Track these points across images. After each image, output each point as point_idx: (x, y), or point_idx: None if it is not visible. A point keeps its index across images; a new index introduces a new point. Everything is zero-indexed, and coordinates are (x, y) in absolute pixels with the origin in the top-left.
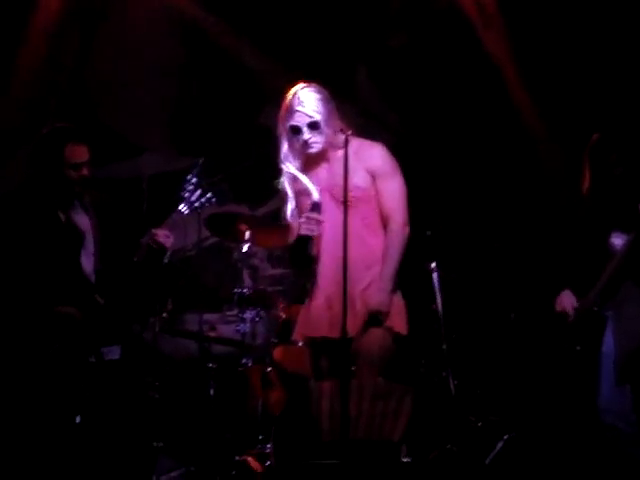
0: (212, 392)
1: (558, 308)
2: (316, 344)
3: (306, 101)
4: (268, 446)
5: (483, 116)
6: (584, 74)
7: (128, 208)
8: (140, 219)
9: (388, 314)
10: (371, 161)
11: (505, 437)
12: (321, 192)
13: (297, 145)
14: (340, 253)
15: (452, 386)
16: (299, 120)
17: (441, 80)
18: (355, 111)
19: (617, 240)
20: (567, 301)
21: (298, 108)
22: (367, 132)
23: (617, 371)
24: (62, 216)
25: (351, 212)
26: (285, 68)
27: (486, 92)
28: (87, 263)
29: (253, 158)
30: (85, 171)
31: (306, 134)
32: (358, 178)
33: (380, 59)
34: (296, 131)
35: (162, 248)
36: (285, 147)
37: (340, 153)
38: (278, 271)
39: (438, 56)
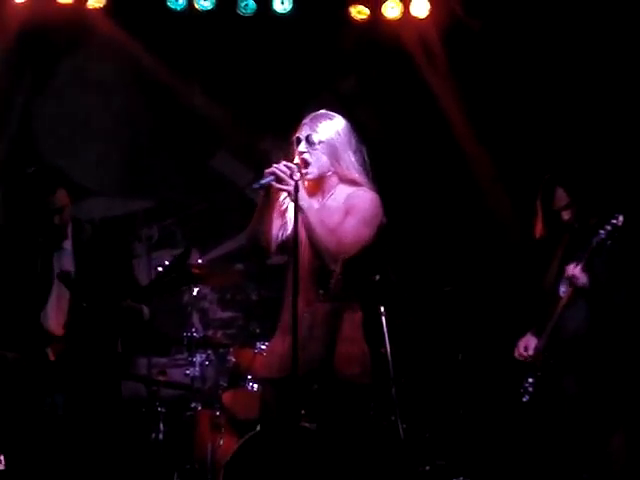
0: (161, 436)
1: (517, 352)
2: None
3: (315, 118)
4: None
5: (430, 159)
6: (529, 113)
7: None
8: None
9: None
10: (352, 198)
11: None
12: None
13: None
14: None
15: (401, 430)
16: (302, 132)
17: (389, 123)
18: None
19: (564, 287)
20: (526, 344)
21: (305, 122)
22: None
23: None
24: (39, 263)
25: None
26: (235, 113)
27: (433, 135)
28: (52, 312)
29: (205, 202)
30: (67, 215)
31: (302, 147)
32: None
33: (329, 103)
34: (297, 143)
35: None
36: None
37: (332, 194)
38: (228, 314)
39: (386, 99)
